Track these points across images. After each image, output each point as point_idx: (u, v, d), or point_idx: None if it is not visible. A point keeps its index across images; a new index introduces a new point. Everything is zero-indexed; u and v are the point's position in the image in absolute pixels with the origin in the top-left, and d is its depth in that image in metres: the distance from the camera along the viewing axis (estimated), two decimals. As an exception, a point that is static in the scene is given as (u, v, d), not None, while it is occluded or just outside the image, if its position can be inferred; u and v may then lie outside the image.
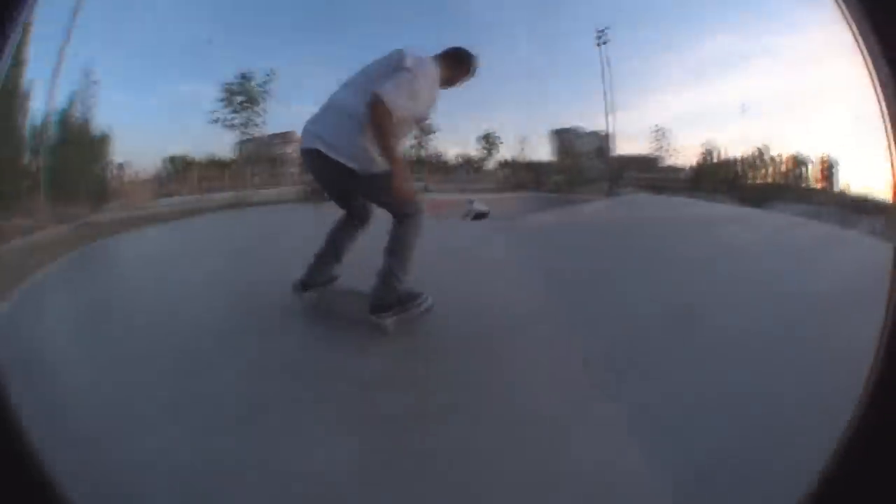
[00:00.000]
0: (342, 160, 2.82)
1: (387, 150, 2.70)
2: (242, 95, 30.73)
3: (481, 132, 47.14)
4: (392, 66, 2.81)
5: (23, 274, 3.97)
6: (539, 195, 28.49)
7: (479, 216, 17.33)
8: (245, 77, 31.05)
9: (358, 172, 2.85)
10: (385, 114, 2.60)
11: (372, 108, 2.63)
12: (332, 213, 3.56)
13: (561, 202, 22.17)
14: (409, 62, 2.78)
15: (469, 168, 45.91)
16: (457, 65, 3.14)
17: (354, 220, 3.34)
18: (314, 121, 2.98)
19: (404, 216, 2.93)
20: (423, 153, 42.97)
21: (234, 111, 30.75)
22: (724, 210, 15.87)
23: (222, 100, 31.60)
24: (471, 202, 16.75)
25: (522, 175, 41.92)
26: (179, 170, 26.12)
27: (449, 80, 3.12)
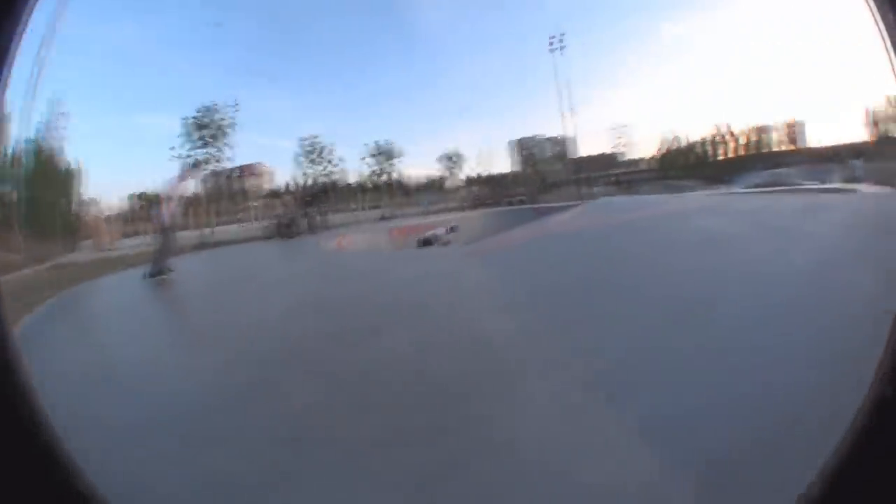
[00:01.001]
0: None
1: None
2: (208, 129, 31.70)
3: (444, 151, 48.04)
4: None
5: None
6: (508, 209, 28.75)
7: (451, 230, 18.04)
8: (209, 110, 31.95)
9: None
10: None
11: None
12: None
13: (530, 213, 22.18)
14: None
15: (434, 188, 46.79)
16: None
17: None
18: None
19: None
20: (386, 178, 44.18)
21: (197, 146, 31.68)
22: (692, 199, 16.69)
23: (184, 134, 32.20)
24: (436, 235, 17.19)
25: (488, 189, 43.61)
26: (145, 206, 26.27)
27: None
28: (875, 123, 40.24)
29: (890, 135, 38.54)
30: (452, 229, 18.53)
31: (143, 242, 18.05)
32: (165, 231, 9.14)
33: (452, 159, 45.79)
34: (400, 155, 42.50)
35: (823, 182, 29.65)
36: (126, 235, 23.51)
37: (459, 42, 59.08)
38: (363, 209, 35.47)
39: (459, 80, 57.84)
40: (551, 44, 37.09)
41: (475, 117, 63.53)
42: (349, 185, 41.52)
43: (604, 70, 61.73)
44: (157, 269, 8.92)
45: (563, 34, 37.30)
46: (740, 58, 59.10)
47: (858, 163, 32.03)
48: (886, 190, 14.90)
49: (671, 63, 62.57)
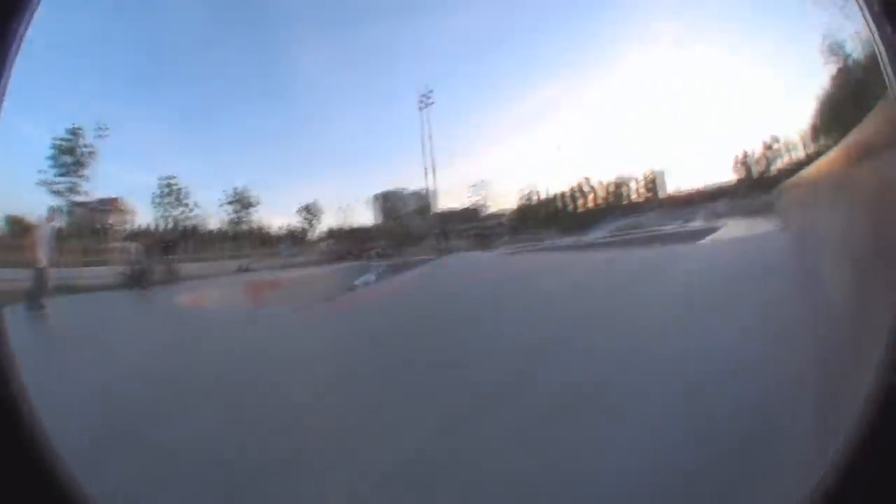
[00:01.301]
0: None
1: None
2: (71, 155, 27.24)
3: (304, 202, 45.27)
4: None
5: None
6: (368, 263, 28.18)
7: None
8: (75, 134, 27.58)
9: None
10: None
11: None
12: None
13: (389, 267, 22.50)
14: None
15: (292, 240, 43.82)
16: None
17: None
18: None
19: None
20: (245, 227, 40.66)
21: (61, 173, 27.08)
22: (545, 258, 17.74)
23: (51, 157, 27.31)
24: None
25: (349, 242, 41.90)
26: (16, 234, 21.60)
27: None
28: (744, 166, 48.20)
29: (755, 175, 46.36)
30: None
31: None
32: (40, 270, 9.96)
33: (311, 211, 44.69)
34: (257, 203, 40.36)
35: (686, 222, 34.61)
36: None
37: (332, 93, 59.13)
38: (223, 258, 33.29)
39: (329, 131, 57.48)
40: (421, 101, 38.75)
41: (340, 168, 63.06)
42: (209, 231, 38.43)
43: (470, 126, 65.75)
44: (33, 306, 9.57)
45: (431, 91, 39.17)
46: (609, 114, 66.72)
47: (721, 203, 37.83)
48: (748, 221, 16.98)
49: (538, 121, 68.96)
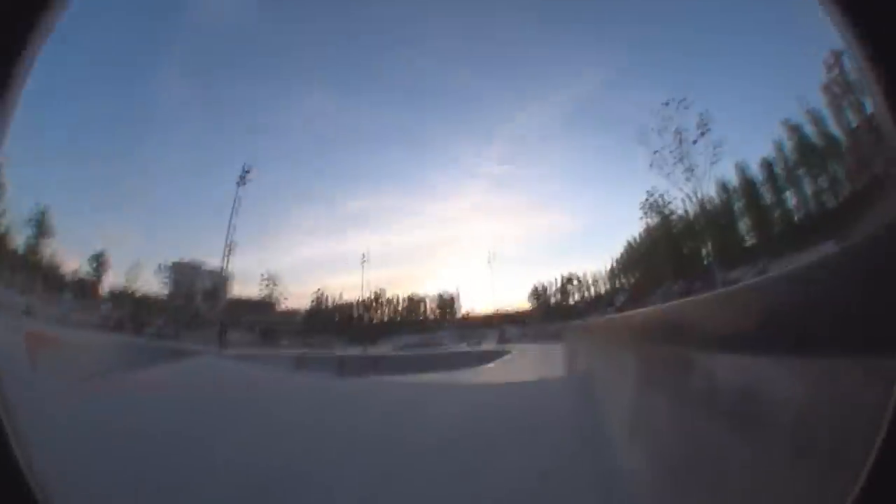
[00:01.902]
0: None
1: None
2: None
3: (96, 250, 37.64)
4: None
5: None
6: (138, 341, 24.36)
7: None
8: None
9: None
10: None
11: None
12: None
13: (163, 353, 18.97)
14: None
15: (75, 293, 35.60)
16: None
17: None
18: None
19: None
20: (34, 259, 31.68)
21: None
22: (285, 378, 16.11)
23: None
24: None
25: (129, 311, 35.16)
26: None
27: None
28: (537, 296, 53.21)
29: (550, 303, 51.33)
30: None
31: None
32: None
33: (100, 261, 37.78)
34: (53, 232, 33.64)
35: (479, 344, 36.47)
36: None
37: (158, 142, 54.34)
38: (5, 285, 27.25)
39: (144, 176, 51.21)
40: (242, 177, 36.98)
41: (143, 220, 55.78)
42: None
43: (279, 218, 64.87)
44: None
45: (252, 169, 37.69)
46: (412, 234, 71.18)
47: (513, 328, 40.36)
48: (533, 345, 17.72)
49: (346, 229, 71.14)
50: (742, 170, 38.15)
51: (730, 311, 1.69)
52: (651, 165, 34.23)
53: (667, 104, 33.09)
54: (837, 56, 27.83)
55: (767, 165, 36.36)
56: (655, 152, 33.05)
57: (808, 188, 34.08)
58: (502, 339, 33.63)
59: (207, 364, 17.61)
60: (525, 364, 16.42)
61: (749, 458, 1.48)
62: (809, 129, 32.63)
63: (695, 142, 31.94)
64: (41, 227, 33.61)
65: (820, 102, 30.71)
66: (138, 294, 41.19)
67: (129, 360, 16.27)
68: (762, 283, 1.50)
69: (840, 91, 28.74)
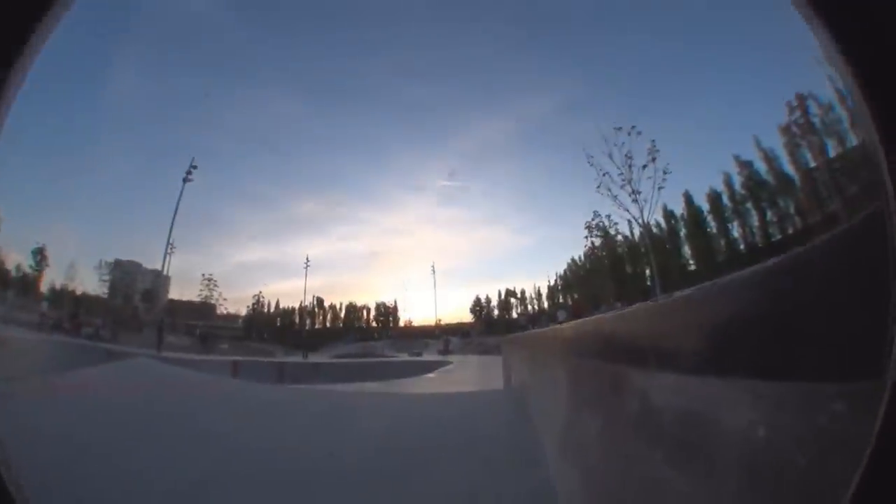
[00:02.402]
0: None
1: None
2: None
3: (37, 244, 35.81)
4: None
5: None
6: (78, 342, 22.88)
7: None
8: None
9: None
10: None
11: None
12: None
13: (99, 354, 18.07)
14: None
15: (19, 290, 34.30)
16: None
17: None
18: None
19: None
20: None
21: None
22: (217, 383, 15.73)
23: None
24: None
25: (66, 310, 33.63)
26: None
27: None
28: (480, 309, 53.63)
29: (492, 319, 51.84)
30: None
31: None
32: None
33: (42, 256, 35.72)
34: None
35: (420, 354, 36.35)
36: None
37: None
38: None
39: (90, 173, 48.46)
40: (188, 172, 35.60)
41: (85, 214, 52.70)
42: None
43: (222, 219, 62.71)
44: None
45: (196, 167, 36.34)
46: (358, 240, 70.43)
47: (455, 339, 40.36)
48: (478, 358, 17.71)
49: (290, 231, 69.26)
50: (688, 198, 40.16)
51: (667, 324, 1.50)
52: (598, 187, 35.41)
53: (619, 129, 34.47)
54: (802, 99, 29.76)
55: (714, 196, 38.44)
56: (604, 174, 34.21)
57: (755, 220, 36.27)
58: (445, 350, 33.55)
59: (143, 366, 16.85)
60: (465, 375, 16.32)
61: (681, 484, 1.31)
62: (761, 167, 34.74)
63: (644, 166, 33.28)
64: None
65: (776, 142, 32.63)
66: (77, 293, 39.54)
67: (65, 360, 15.41)
68: (706, 291, 1.31)
69: (800, 133, 30.46)
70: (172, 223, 39.92)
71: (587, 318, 3.36)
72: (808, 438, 0.86)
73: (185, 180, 36.54)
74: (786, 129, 31.64)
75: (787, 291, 0.93)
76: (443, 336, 46.21)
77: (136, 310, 43.76)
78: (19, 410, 6.40)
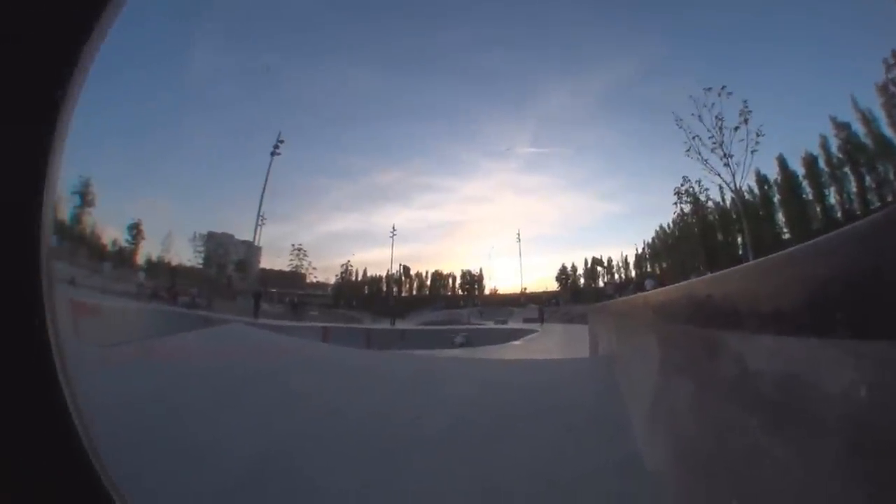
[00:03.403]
0: None
1: None
2: None
3: (133, 219, 39.63)
4: None
5: None
6: (175, 310, 25.31)
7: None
8: None
9: None
10: None
11: None
12: None
13: (199, 320, 19.99)
14: None
15: (114, 262, 37.93)
16: None
17: None
18: None
19: None
20: (78, 227, 33.84)
21: None
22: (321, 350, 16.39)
23: None
24: None
25: (163, 281, 37.30)
26: None
27: None
28: (566, 277, 53.18)
29: (578, 287, 51.29)
30: None
31: None
32: None
33: (137, 230, 39.38)
34: (93, 201, 35.54)
35: (505, 322, 36.21)
36: None
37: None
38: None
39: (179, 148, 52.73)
40: (276, 146, 37.32)
41: (176, 191, 57.53)
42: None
43: (310, 189, 65.09)
44: None
45: (283, 141, 37.85)
46: (442, 209, 71.14)
47: (542, 307, 40.20)
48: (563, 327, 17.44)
49: (374, 202, 71.02)
50: (782, 162, 36.19)
51: (765, 285, 1.42)
52: (688, 151, 32.93)
53: (709, 90, 31.60)
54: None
55: (810, 160, 34.38)
56: (694, 137, 31.78)
57: (853, 186, 32.10)
58: (541, 318, 33.00)
59: (237, 331, 17.94)
60: (550, 344, 16.17)
61: (774, 447, 1.26)
62: (859, 129, 30.62)
63: (736, 128, 30.53)
64: (85, 197, 34.75)
65: (874, 102, 28.61)
66: (173, 264, 42.81)
67: (164, 328, 16.31)
68: (804, 250, 1.23)
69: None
70: (262, 195, 42.42)
71: (678, 284, 3.19)
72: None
73: (272, 154, 38.38)
74: (883, 89, 27.40)
75: (890, 246, 0.86)
76: (531, 305, 45.92)
77: (230, 279, 46.30)
78: (114, 375, 6.81)
